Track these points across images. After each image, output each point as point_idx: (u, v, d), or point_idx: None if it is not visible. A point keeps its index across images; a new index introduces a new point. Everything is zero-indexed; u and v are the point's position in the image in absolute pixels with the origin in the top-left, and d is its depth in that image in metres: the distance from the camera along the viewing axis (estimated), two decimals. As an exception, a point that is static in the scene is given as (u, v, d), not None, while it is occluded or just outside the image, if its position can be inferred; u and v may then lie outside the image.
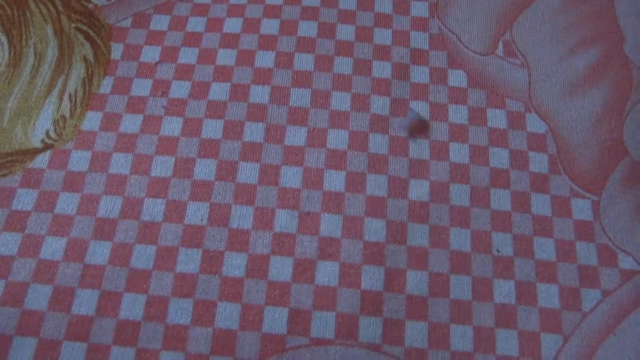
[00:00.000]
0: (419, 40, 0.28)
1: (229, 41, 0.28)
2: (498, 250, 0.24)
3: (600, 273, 0.23)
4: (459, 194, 0.24)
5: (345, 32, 0.28)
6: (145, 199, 0.24)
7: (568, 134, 0.26)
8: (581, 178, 0.26)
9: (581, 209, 0.25)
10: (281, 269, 0.23)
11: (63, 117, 0.26)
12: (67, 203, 0.24)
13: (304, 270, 0.23)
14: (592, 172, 0.26)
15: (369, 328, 0.22)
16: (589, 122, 0.27)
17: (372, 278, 0.23)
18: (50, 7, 0.29)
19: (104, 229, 0.24)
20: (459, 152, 0.25)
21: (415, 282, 0.23)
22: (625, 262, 0.24)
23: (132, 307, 0.22)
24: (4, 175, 0.25)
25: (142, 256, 0.23)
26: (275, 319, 0.22)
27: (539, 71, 0.28)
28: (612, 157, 0.26)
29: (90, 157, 0.25)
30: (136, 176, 0.25)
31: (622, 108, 0.27)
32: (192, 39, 0.28)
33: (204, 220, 0.24)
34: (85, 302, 0.22)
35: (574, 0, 0.30)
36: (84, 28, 0.29)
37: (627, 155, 0.26)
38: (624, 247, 0.24)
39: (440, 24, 0.29)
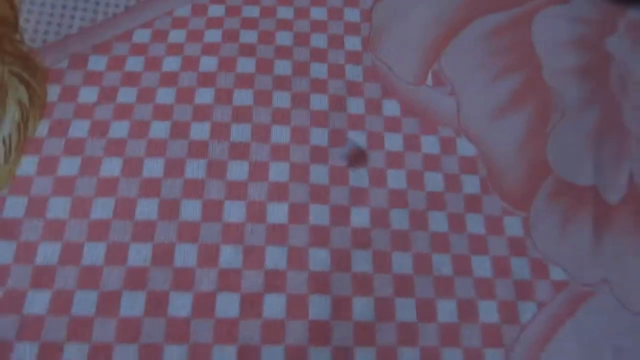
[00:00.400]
0: (353, 72, 0.30)
1: (168, 79, 0.28)
2: (439, 271, 0.25)
3: (534, 286, 0.25)
4: (399, 219, 0.25)
5: (283, 67, 0.29)
6: (86, 243, 0.24)
7: (496, 155, 0.28)
8: (511, 197, 0.27)
9: (512, 225, 0.26)
10: (228, 305, 0.23)
11: (-4, 163, 0.26)
12: (2, 252, 0.24)
13: (251, 304, 0.23)
14: (521, 190, 0.27)
15: (319, 358, 0.22)
16: (515, 143, 0.29)
17: (319, 307, 0.23)
18: (-19, 51, 0.29)
19: (43, 277, 0.23)
20: (396, 179, 0.27)
21: (362, 308, 0.23)
22: (556, 274, 0.25)
23: (74, 357, 0.21)
24: None
25: (84, 303, 0.23)
26: (224, 358, 0.22)
27: (466, 98, 0.30)
28: (537, 175, 0.28)
29: (26, 202, 0.25)
30: (75, 220, 0.24)
31: (543, 129, 0.29)
32: (131, 79, 0.28)
33: (147, 261, 0.23)
34: (24, 356, 0.21)
35: (495, 32, 0.33)
36: (18, 70, 0.28)
37: (551, 173, 0.28)
38: (553, 259, 0.26)
39: (373, 57, 0.31)
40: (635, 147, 0.29)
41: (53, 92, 0.28)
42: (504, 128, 0.29)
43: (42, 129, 0.27)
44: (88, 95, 0.28)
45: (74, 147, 0.26)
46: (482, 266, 0.25)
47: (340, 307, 0.23)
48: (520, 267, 0.25)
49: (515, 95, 0.30)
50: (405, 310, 0.24)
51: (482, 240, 0.26)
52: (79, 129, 0.27)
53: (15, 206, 0.25)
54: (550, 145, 0.29)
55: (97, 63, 0.29)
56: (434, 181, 0.27)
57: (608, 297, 0.25)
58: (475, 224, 0.26)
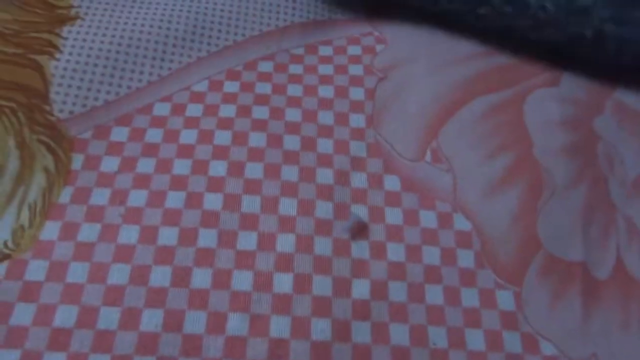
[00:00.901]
0: (357, 148, 0.32)
1: (185, 151, 0.31)
2: (434, 343, 0.26)
3: (525, 360, 0.26)
4: (397, 291, 0.27)
5: (292, 142, 0.32)
6: (101, 307, 0.25)
7: (490, 230, 0.30)
8: (504, 271, 0.29)
9: (505, 299, 0.28)
10: (233, 372, 0.24)
11: (22, 227, 0.28)
12: (22, 314, 0.25)
13: (255, 372, 0.24)
14: (513, 265, 0.29)
15: None
16: (508, 219, 0.30)
17: (319, 377, 0.24)
18: (14, 120, 0.31)
19: (59, 339, 0.24)
20: (396, 252, 0.28)
21: (360, 378, 0.24)
22: (547, 348, 0.26)
23: (85, 420, 0.22)
24: (-41, 289, 0.25)
25: (97, 365, 0.24)
26: None
27: (462, 174, 0.32)
28: (528, 250, 0.29)
29: (47, 266, 0.26)
30: (93, 284, 0.26)
31: (535, 206, 0.31)
32: (150, 149, 0.31)
33: (158, 327, 0.25)
34: (36, 417, 0.22)
35: (490, 112, 0.35)
36: (46, 140, 0.31)
37: (542, 249, 0.30)
38: (544, 334, 0.27)
39: (375, 133, 0.33)
40: (622, 223, 0.31)
41: (77, 160, 0.30)
42: (497, 204, 0.31)
43: (65, 195, 0.29)
44: (110, 164, 0.30)
45: (94, 214, 0.28)
46: (476, 339, 0.26)
47: (340, 377, 0.24)
48: (512, 341, 0.26)
49: (508, 172, 0.32)
50: (402, 381, 0.25)
51: (476, 313, 0.27)
52: (100, 196, 0.29)
53: (38, 269, 0.26)
54: (541, 221, 0.31)
55: (119, 134, 0.31)
56: (431, 255, 0.28)
57: (597, 373, 0.26)
58: (469, 298, 0.27)
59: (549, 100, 0.36)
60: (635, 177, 0.33)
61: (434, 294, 0.27)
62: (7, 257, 0.27)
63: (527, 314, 0.27)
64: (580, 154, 0.34)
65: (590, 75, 0.38)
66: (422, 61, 0.37)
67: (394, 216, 0.29)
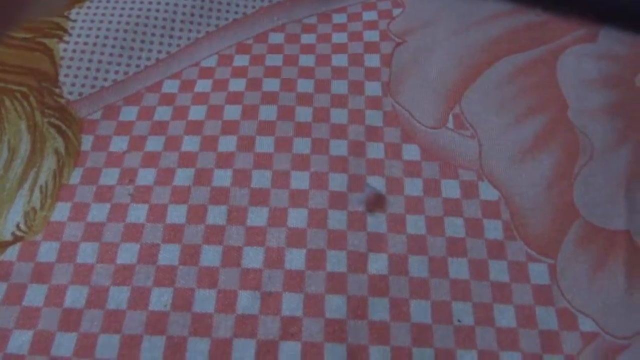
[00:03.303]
0: (373, 117, 0.30)
1: (194, 128, 0.30)
2: (459, 320, 0.24)
3: (561, 337, 0.24)
4: (418, 265, 0.25)
5: (304, 113, 0.30)
6: (111, 287, 0.25)
7: (520, 199, 0.28)
8: (536, 242, 0.26)
9: (538, 273, 0.25)
10: (244, 352, 0.23)
11: (33, 209, 0.27)
12: (35, 295, 0.25)
13: (267, 352, 0.23)
14: (547, 235, 0.27)
15: (334, 408, 0.22)
16: (540, 187, 0.28)
17: (334, 356, 0.23)
18: (25, 104, 0.31)
19: (70, 320, 0.24)
20: (415, 224, 0.26)
21: (378, 357, 0.23)
22: (586, 325, 0.24)
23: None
24: (-28, 271, 0.25)
25: (107, 345, 0.23)
26: (239, 405, 0.22)
27: (488, 141, 0.29)
28: (564, 219, 0.27)
29: (58, 247, 0.26)
30: (102, 264, 0.25)
31: (570, 171, 0.29)
32: (159, 128, 0.30)
33: (168, 306, 0.24)
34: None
35: (517, 73, 0.32)
36: (57, 122, 0.30)
37: (579, 217, 0.27)
38: (583, 309, 0.25)
39: (393, 101, 0.31)
40: (672, 189, 0.28)
41: (87, 141, 0.30)
42: (528, 171, 0.28)
43: (75, 176, 0.28)
44: (119, 144, 0.29)
45: (103, 194, 0.27)
46: (505, 315, 0.24)
47: (356, 356, 0.23)
48: (546, 318, 0.24)
49: (540, 137, 0.30)
50: (425, 360, 0.23)
51: (505, 288, 0.25)
52: (110, 176, 0.28)
53: (49, 251, 0.26)
54: (578, 188, 0.28)
55: (128, 113, 0.30)
56: (454, 226, 0.26)
57: (643, 351, 0.23)
58: (498, 271, 0.25)
59: (585, 58, 0.33)
60: (685, 137, 0.30)
61: (458, 268, 0.25)
62: (19, 239, 0.26)
63: (564, 288, 0.25)
64: (621, 114, 0.31)
65: (631, 28, 0.35)
66: (443, 24, 0.35)
67: (413, 187, 0.28)
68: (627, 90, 0.32)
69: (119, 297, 0.24)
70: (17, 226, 0.27)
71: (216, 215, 0.26)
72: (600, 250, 0.26)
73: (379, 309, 0.24)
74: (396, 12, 0.35)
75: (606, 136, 0.30)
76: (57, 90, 0.31)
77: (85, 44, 0.33)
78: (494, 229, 0.26)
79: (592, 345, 0.23)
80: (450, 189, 0.28)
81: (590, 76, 0.32)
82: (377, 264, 0.25)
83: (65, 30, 0.33)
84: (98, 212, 0.27)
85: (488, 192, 0.28)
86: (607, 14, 0.35)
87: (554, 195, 0.28)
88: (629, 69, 0.33)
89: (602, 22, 0.35)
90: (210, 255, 0.25)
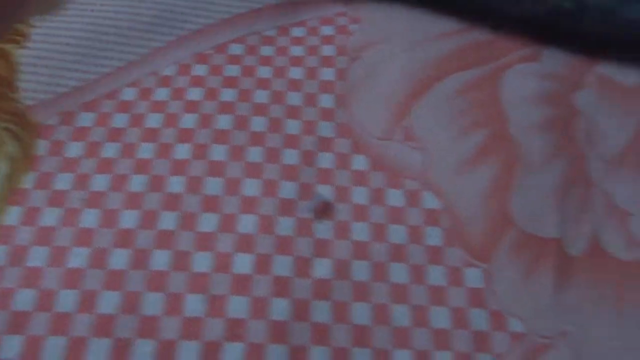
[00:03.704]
0: (325, 129, 0.31)
1: (150, 135, 0.30)
2: (397, 322, 0.25)
3: (491, 337, 0.25)
4: (360, 270, 0.26)
5: (259, 123, 0.31)
6: (60, 291, 0.25)
7: (460, 208, 0.29)
8: (473, 249, 0.28)
9: (473, 277, 0.27)
10: (189, 352, 0.24)
11: (-15, 213, 0.28)
12: (-17, 298, 0.25)
13: (212, 352, 0.24)
14: (483, 242, 0.28)
15: (276, 407, 0.23)
16: (479, 197, 0.30)
17: (276, 356, 0.24)
18: (-19, 109, 0.31)
19: (17, 322, 0.24)
20: (360, 231, 0.28)
21: (319, 357, 0.24)
22: (515, 325, 0.26)
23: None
24: None
25: (54, 348, 0.24)
26: (182, 405, 0.22)
27: (434, 152, 0.31)
28: (500, 227, 0.29)
29: (8, 251, 0.26)
30: (52, 268, 0.26)
31: (508, 183, 0.30)
32: (116, 134, 0.30)
33: (116, 309, 0.24)
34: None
35: (464, 89, 0.34)
36: (12, 127, 0.31)
37: (514, 225, 0.29)
38: (513, 311, 0.26)
39: (345, 114, 0.32)
40: (599, 198, 0.30)
41: (42, 146, 0.30)
42: (469, 182, 0.30)
43: (29, 181, 0.29)
44: (75, 149, 0.30)
45: (57, 199, 0.28)
46: (440, 317, 0.25)
47: (298, 356, 0.24)
48: (478, 319, 0.26)
49: (481, 150, 0.31)
50: (362, 359, 0.24)
51: (442, 291, 0.26)
52: (64, 181, 0.29)
53: (-1, 255, 0.26)
54: (515, 198, 0.30)
55: (85, 119, 0.31)
56: (397, 233, 0.28)
57: (566, 350, 0.25)
58: (436, 276, 0.27)
59: (528, 76, 0.35)
60: (615, 152, 0.32)
61: (399, 273, 0.27)
62: (-31, 243, 0.27)
63: (496, 291, 0.27)
64: (558, 129, 0.33)
65: (572, 49, 0.37)
66: (397, 40, 0.36)
67: (360, 195, 0.29)
68: (564, 107, 0.34)
69: (67, 300, 0.25)
70: (-32, 230, 0.27)
71: (168, 220, 0.27)
72: (532, 256, 0.28)
73: (321, 312, 0.25)
74: (353, 27, 0.37)
75: (543, 150, 0.32)
76: (14, 96, 0.32)
77: (46, 50, 0.33)
78: (434, 236, 0.28)
79: (519, 344, 0.25)
80: (396, 198, 0.29)
81: (532, 93, 0.35)
82: (322, 268, 0.26)
83: (24, 36, 0.34)
84: (50, 217, 0.27)
85: (431, 202, 0.29)
86: (549, 35, 0.38)
87: (492, 205, 0.29)
88: (567, 87, 0.35)
89: (546, 44, 0.37)
90: (160, 260, 0.26)
